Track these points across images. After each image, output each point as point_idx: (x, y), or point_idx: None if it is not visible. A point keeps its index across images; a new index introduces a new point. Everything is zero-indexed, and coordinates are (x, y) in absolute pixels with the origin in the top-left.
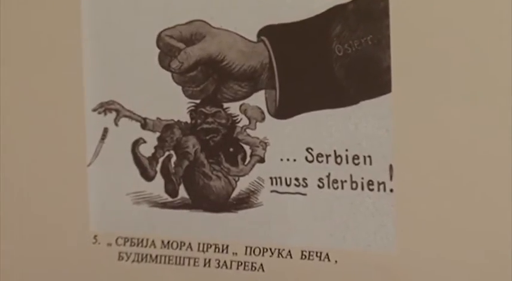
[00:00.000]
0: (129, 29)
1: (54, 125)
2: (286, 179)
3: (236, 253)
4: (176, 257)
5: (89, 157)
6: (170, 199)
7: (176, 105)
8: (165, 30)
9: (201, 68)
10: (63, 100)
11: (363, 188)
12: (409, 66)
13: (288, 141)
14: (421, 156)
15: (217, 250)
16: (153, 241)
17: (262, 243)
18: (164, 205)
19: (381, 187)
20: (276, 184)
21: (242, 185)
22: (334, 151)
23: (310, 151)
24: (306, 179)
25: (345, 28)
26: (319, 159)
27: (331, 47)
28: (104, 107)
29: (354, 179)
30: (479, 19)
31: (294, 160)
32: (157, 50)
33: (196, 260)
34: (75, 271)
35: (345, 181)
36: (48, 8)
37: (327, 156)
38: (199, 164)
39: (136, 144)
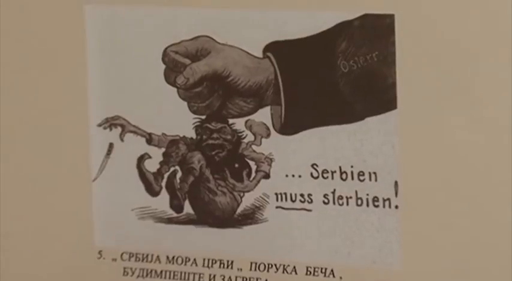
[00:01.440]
0: (135, 45)
1: (59, 140)
2: (291, 195)
3: (241, 269)
4: (181, 272)
5: (94, 172)
6: (175, 215)
7: (181, 121)
8: (170, 46)
9: (206, 83)
10: (68, 115)
11: (368, 205)
12: (415, 83)
13: (293, 157)
14: (427, 172)
15: (222, 265)
16: (158, 257)
17: (267, 259)
18: (169, 221)
19: (386, 203)
20: (281, 199)
21: (247, 201)
22: (340, 167)
23: (315, 167)
24: (311, 195)
25: (350, 44)
26: (325, 175)
27: (337, 63)
28: (109, 123)
29: (359, 196)
30: (486, 36)
31: (299, 176)
32: (163, 66)
33: (201, 275)
34: None
35: (350, 197)
36: (52, 23)
37: (332, 172)
38: (205, 179)
39: (141, 159)
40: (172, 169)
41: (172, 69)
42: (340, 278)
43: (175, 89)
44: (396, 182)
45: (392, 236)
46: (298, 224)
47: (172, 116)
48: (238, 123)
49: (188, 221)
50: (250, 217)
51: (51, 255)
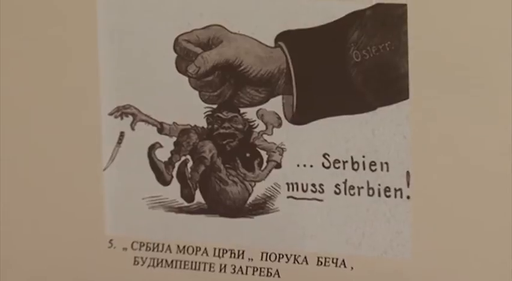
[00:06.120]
0: (146, 33)
1: (71, 129)
2: (302, 185)
3: (252, 259)
4: (192, 262)
5: (105, 161)
6: (186, 204)
7: (193, 110)
8: (182, 34)
9: (218, 73)
10: (80, 104)
11: (379, 195)
12: (427, 73)
13: (304, 147)
14: (439, 163)
15: (233, 255)
16: (168, 246)
17: (278, 249)
18: (180, 210)
19: (398, 193)
20: (293, 189)
21: (258, 190)
22: (351, 157)
23: (327, 156)
24: (322, 185)
25: (362, 34)
26: (336, 165)
27: (349, 53)
28: (121, 111)
29: (370, 186)
30: (500, 27)
31: (311, 166)
32: (175, 55)
33: (212, 265)
34: (90, 275)
35: (362, 188)
36: (64, 12)
37: (344, 162)
38: (216, 169)
39: (152, 148)
40: (183, 158)
41: (183, 58)
42: (352, 268)
43: (186, 78)
44: (408, 173)
45: (404, 226)
46: (310, 214)
47: (183, 105)
48: (250, 113)
49: (199, 210)
50: (261, 207)
51: (61, 244)
